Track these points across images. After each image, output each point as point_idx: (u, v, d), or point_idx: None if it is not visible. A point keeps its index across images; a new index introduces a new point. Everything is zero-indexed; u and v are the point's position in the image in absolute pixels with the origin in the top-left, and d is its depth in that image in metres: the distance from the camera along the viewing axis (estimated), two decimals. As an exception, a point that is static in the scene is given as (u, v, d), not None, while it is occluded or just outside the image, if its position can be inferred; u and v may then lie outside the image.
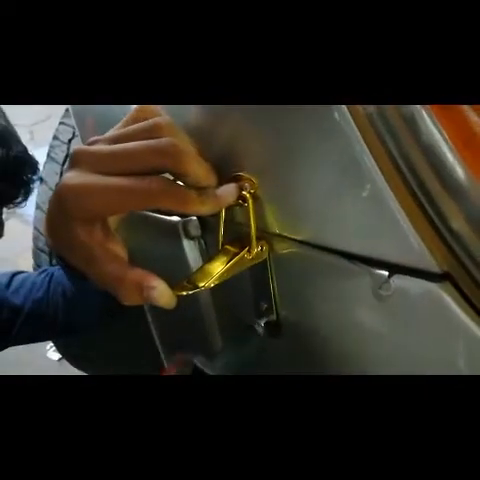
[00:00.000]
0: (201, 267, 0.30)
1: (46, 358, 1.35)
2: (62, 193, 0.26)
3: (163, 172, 0.27)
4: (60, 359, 1.34)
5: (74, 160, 0.27)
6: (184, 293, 0.28)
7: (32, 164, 0.52)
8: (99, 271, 0.28)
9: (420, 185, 0.22)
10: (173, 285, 0.28)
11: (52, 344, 1.32)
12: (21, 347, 1.32)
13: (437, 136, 0.21)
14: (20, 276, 0.51)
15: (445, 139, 0.21)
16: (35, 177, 0.53)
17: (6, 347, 0.52)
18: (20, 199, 0.52)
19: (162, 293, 0.27)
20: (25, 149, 0.51)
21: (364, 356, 0.28)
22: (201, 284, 0.28)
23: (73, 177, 0.26)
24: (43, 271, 0.52)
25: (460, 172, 0.21)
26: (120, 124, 0.29)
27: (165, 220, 0.36)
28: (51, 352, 1.36)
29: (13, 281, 0.50)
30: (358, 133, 0.23)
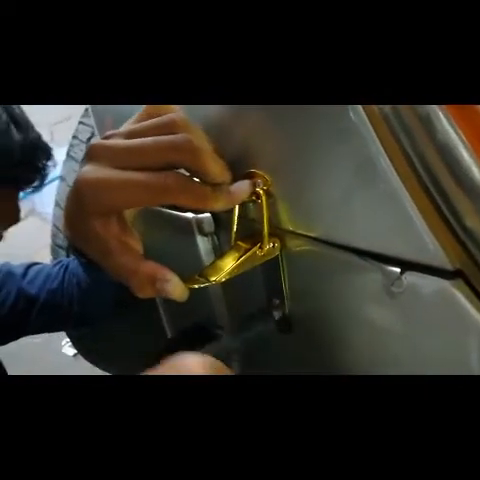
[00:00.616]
0: (213, 262, 0.30)
1: (61, 354, 1.37)
2: (79, 187, 0.27)
3: (178, 168, 0.28)
4: (75, 355, 1.36)
5: (90, 154, 0.28)
6: (196, 286, 0.28)
7: (46, 150, 0.54)
8: (114, 263, 0.28)
9: (435, 183, 0.22)
10: (185, 279, 0.28)
11: (68, 340, 1.34)
12: (37, 342, 1.34)
13: (453, 135, 0.21)
14: (36, 267, 0.53)
15: (461, 138, 0.21)
16: (50, 163, 0.54)
17: (21, 336, 0.53)
18: (36, 184, 0.54)
19: (175, 286, 0.28)
20: (40, 136, 0.52)
21: (374, 354, 0.28)
22: (212, 278, 0.28)
23: (90, 171, 0.27)
24: (58, 262, 0.53)
25: (476, 171, 0.21)
26: (134, 119, 0.30)
27: (179, 216, 0.37)
28: (66, 347, 1.38)
29: (29, 272, 0.51)
30: (373, 133, 0.23)
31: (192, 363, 0.24)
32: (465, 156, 0.21)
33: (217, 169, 0.28)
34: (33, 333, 0.53)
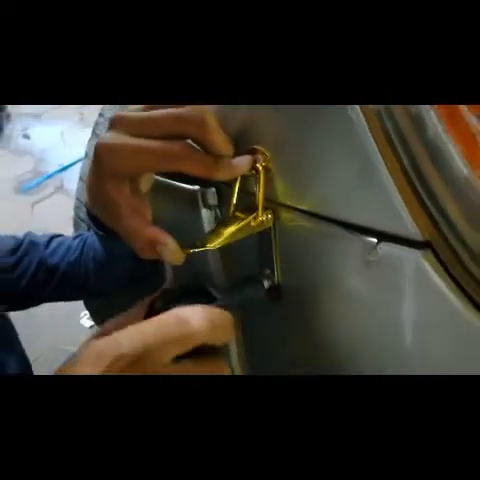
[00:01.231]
0: (211, 230, 0.33)
1: (79, 325, 1.44)
2: (96, 150, 0.31)
3: (186, 138, 0.31)
4: (91, 327, 1.42)
5: (112, 123, 0.31)
6: (191, 251, 0.31)
7: None
8: (122, 224, 0.32)
9: (413, 164, 0.24)
10: (183, 244, 0.31)
11: (86, 312, 1.40)
12: (56, 313, 1.40)
13: (432, 116, 0.23)
14: (58, 239, 0.55)
15: (440, 121, 0.23)
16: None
17: (39, 304, 0.56)
18: None
19: (172, 250, 0.31)
20: None
21: (354, 321, 0.30)
22: (208, 244, 0.31)
23: (108, 137, 0.31)
24: (78, 236, 0.55)
25: (449, 149, 0.23)
26: None
27: (186, 188, 0.39)
28: (85, 319, 1.45)
29: (51, 243, 0.54)
30: (362, 116, 0.25)
31: (190, 315, 0.26)
32: (439, 131, 0.23)
33: (221, 141, 0.30)
34: (50, 301, 0.55)
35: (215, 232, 0.33)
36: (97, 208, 0.34)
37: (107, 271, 0.50)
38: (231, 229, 0.32)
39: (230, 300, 0.31)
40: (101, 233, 0.42)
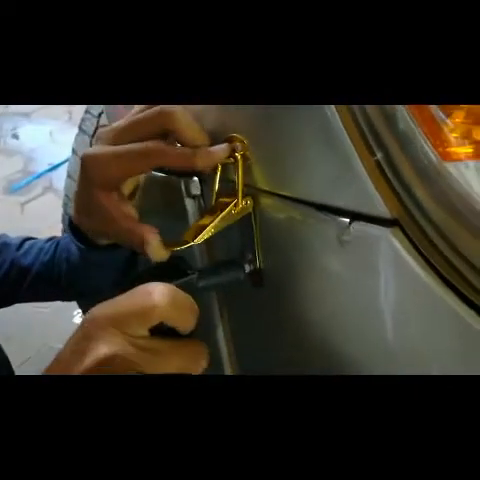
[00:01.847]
0: (194, 224, 0.34)
1: (71, 323, 1.44)
2: (82, 162, 0.34)
3: (165, 137, 0.33)
4: (84, 325, 1.42)
5: (96, 137, 0.35)
6: (177, 248, 0.33)
7: None
8: (115, 227, 0.35)
9: (379, 145, 0.25)
10: (167, 242, 0.32)
11: (79, 310, 1.40)
12: (49, 311, 1.40)
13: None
14: (31, 241, 0.54)
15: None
16: None
17: (12, 304, 0.54)
18: None
19: (154, 248, 0.33)
20: None
21: (332, 301, 0.31)
22: (193, 240, 0.32)
23: (91, 149, 0.34)
24: (51, 239, 0.55)
25: (411, 127, 0.24)
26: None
27: (169, 179, 0.40)
28: (77, 318, 1.45)
29: (24, 244, 0.52)
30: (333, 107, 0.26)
31: (154, 290, 0.27)
32: (404, 114, 0.24)
33: (194, 132, 0.32)
34: (25, 301, 0.54)
35: (197, 224, 0.33)
36: (85, 218, 0.37)
37: (82, 276, 0.49)
38: (213, 220, 0.33)
39: (206, 281, 0.32)
40: (83, 246, 0.43)
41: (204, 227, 0.33)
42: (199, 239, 0.32)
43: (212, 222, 0.33)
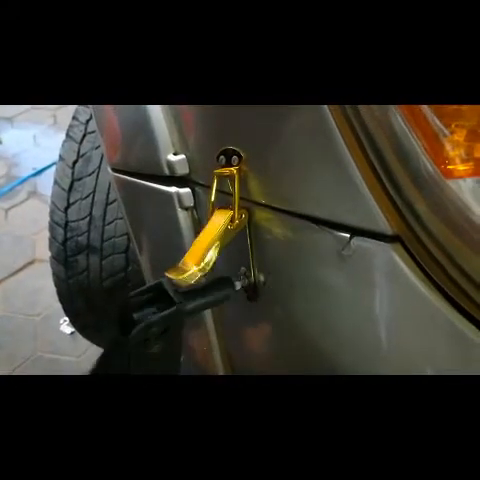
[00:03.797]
0: (192, 247, 0.32)
1: (59, 331, 1.41)
2: None
3: None
4: (72, 333, 1.40)
5: None
6: (180, 278, 0.30)
7: None
8: None
9: (381, 162, 0.25)
10: (172, 270, 0.31)
11: (66, 318, 1.38)
12: (36, 319, 1.37)
13: (401, 123, 0.24)
14: None
15: (408, 128, 0.24)
16: None
17: None
18: None
19: None
20: None
21: (330, 314, 0.31)
22: (195, 266, 0.31)
23: None
24: None
25: (413, 144, 0.24)
26: None
27: (162, 190, 0.40)
28: (64, 326, 1.42)
29: None
30: (331, 117, 0.26)
31: None
32: (405, 130, 0.24)
33: None
34: None
35: (196, 246, 0.32)
36: None
37: None
38: (211, 240, 0.32)
39: (195, 303, 0.32)
40: None
41: (203, 247, 0.32)
42: (205, 266, 0.31)
43: (210, 243, 0.31)
